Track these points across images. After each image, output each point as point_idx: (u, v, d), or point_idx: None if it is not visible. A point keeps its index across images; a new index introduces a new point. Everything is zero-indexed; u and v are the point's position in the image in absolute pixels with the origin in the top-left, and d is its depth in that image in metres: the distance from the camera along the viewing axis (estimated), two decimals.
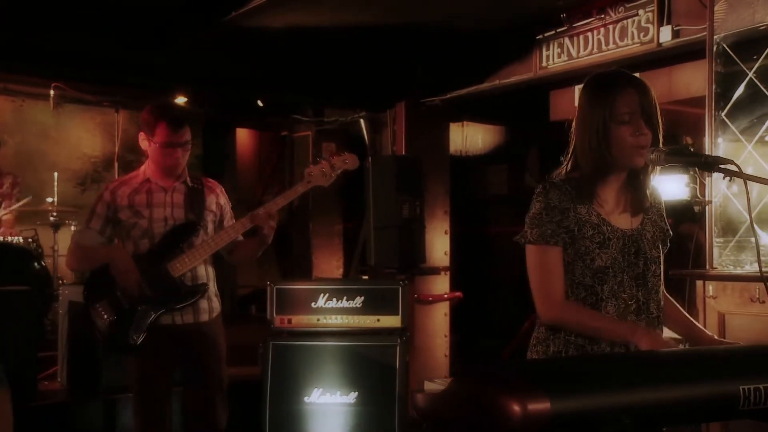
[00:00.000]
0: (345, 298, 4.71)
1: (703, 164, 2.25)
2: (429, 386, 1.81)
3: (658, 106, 2.36)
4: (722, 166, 2.18)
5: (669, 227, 2.54)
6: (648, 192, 2.45)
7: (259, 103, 7.17)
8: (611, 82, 2.38)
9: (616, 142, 2.31)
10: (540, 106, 6.46)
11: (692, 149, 5.43)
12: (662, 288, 2.51)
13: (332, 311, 4.70)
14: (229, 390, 4.00)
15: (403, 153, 6.71)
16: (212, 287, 3.88)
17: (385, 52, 6.43)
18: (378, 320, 4.70)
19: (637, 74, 5.64)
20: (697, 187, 4.68)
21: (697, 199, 4.65)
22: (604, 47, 5.38)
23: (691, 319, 2.55)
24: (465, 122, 8.11)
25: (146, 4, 5.40)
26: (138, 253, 3.72)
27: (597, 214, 2.38)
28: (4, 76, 7.14)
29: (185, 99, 6.97)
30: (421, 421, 1.82)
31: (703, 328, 2.51)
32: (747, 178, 2.14)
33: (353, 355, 4.64)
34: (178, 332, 3.76)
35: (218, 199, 3.94)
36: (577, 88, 6.06)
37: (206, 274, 3.83)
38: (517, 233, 2.47)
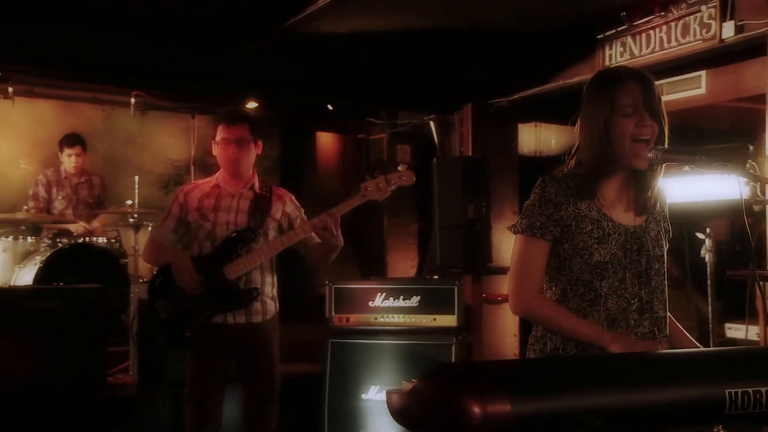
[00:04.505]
0: (402, 297, 4.78)
1: (697, 163, 2.20)
2: (406, 385, 1.81)
3: (662, 101, 2.32)
4: (715, 165, 2.15)
5: (670, 227, 2.50)
6: (653, 192, 2.40)
7: (329, 107, 7.32)
8: (614, 76, 2.37)
9: (617, 136, 2.28)
10: None
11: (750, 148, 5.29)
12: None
13: (389, 310, 4.78)
14: (289, 387, 4.10)
15: (470, 154, 6.72)
16: (268, 291, 3.97)
17: (449, 54, 6.46)
18: (434, 319, 4.76)
19: (702, 72, 5.50)
20: (758, 186, 4.55)
21: (758, 198, 4.52)
22: (666, 45, 5.29)
23: (681, 328, 2.50)
24: (537, 123, 8.04)
25: (206, 15, 5.64)
26: (200, 254, 3.90)
27: (598, 210, 2.34)
28: (93, 87, 7.51)
29: (256, 104, 7.18)
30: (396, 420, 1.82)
31: (692, 339, 2.47)
32: (743, 176, 2.12)
33: (409, 353, 4.71)
34: (231, 331, 3.89)
35: (285, 207, 4.04)
36: None
37: (261, 278, 3.92)
38: None
